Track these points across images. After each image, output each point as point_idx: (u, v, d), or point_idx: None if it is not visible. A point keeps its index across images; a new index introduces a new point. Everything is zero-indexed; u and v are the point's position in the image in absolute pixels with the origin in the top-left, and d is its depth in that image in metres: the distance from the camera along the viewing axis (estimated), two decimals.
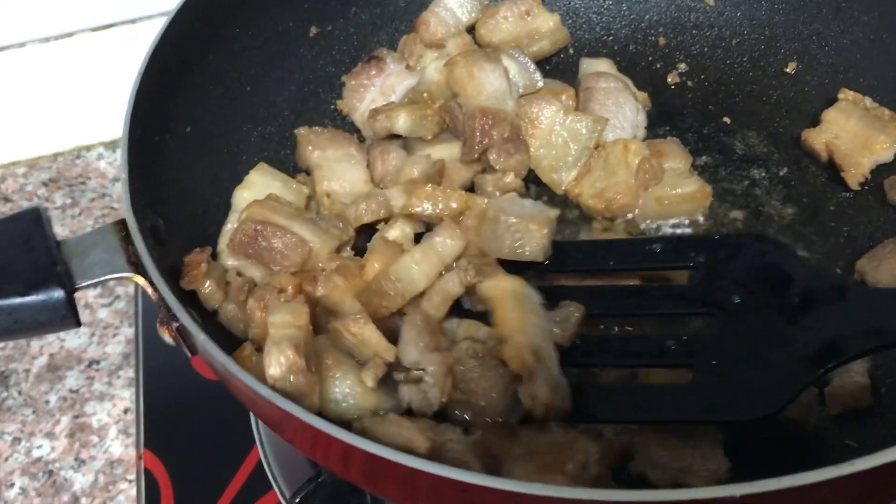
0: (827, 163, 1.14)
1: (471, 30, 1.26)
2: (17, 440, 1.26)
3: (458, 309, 0.96)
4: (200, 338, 0.80)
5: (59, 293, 0.84)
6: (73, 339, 1.36)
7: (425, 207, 1.00)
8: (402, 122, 1.11)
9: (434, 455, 0.79)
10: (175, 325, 0.86)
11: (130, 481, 1.20)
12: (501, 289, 0.92)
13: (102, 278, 0.87)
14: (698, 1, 1.30)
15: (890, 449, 0.63)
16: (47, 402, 1.30)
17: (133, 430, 1.24)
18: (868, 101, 1.15)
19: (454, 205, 1.00)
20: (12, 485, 1.21)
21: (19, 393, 1.31)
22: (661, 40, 1.31)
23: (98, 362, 1.33)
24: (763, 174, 1.15)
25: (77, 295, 0.86)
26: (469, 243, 0.97)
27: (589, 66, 1.23)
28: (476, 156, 1.09)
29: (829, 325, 0.83)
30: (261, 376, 0.79)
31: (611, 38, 1.32)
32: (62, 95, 1.57)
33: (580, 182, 1.12)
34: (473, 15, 1.26)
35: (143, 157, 0.96)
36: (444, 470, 0.66)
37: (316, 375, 0.85)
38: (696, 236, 1.08)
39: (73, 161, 1.61)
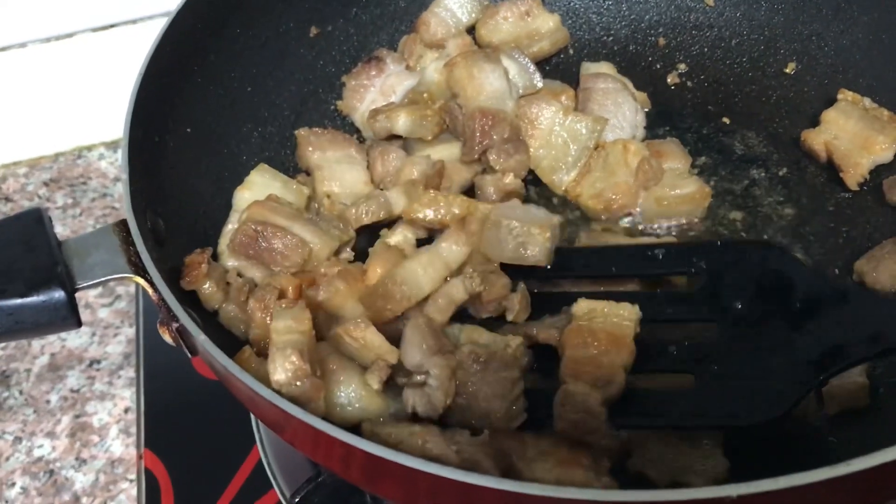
0: (826, 163, 1.14)
1: (471, 30, 1.26)
2: (18, 440, 1.26)
3: (460, 314, 0.97)
4: (201, 338, 0.80)
5: (59, 294, 0.84)
6: (73, 339, 1.36)
7: (427, 214, 1.01)
8: (401, 123, 1.11)
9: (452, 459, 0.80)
10: (175, 325, 0.86)
11: (131, 481, 1.20)
12: None
13: (103, 279, 0.87)
14: (698, 1, 1.31)
15: (887, 449, 0.63)
16: (48, 401, 1.30)
17: (134, 429, 1.24)
18: (867, 102, 1.15)
19: (456, 210, 1.00)
20: (13, 484, 1.22)
21: (20, 392, 1.31)
22: (661, 41, 1.31)
23: (99, 362, 1.33)
24: (762, 174, 1.15)
25: (77, 295, 0.86)
26: (472, 249, 0.98)
27: (588, 69, 1.23)
28: (476, 156, 1.09)
29: (832, 330, 0.83)
30: (261, 378, 0.79)
31: (611, 38, 1.32)
32: (63, 95, 1.57)
33: (580, 182, 1.12)
34: (473, 15, 1.26)
35: (144, 157, 0.96)
36: (444, 470, 0.67)
37: (321, 380, 0.85)
38: (698, 242, 1.08)
39: (74, 161, 1.62)
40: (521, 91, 1.14)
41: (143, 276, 0.86)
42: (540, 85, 1.15)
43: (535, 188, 1.15)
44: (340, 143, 1.14)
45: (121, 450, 1.24)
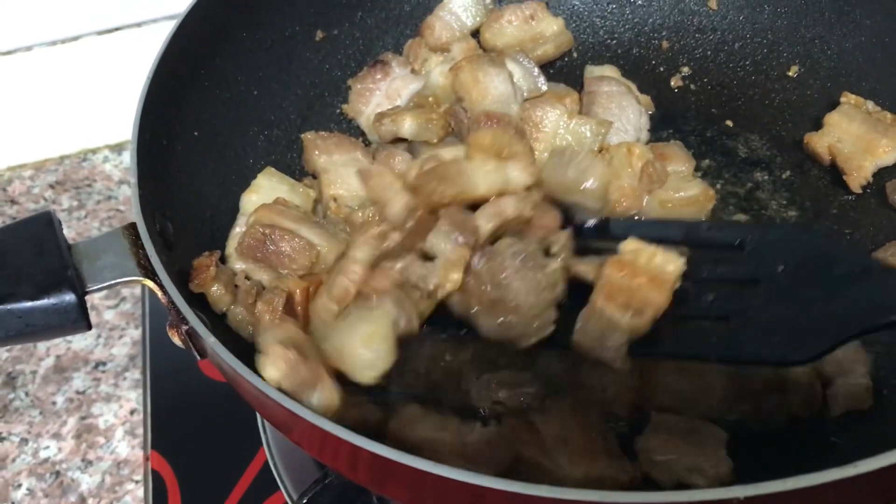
0: (829, 166, 1.15)
1: (475, 34, 1.27)
2: (24, 441, 1.27)
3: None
4: (210, 341, 0.81)
5: (70, 297, 0.84)
6: (79, 341, 1.37)
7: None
8: (407, 126, 1.12)
9: (454, 450, 0.81)
10: (185, 328, 0.86)
11: (137, 482, 1.20)
12: None
13: (113, 282, 0.87)
14: (701, 5, 1.31)
15: (893, 451, 0.64)
16: (54, 403, 1.30)
17: (140, 431, 1.25)
18: (870, 105, 1.15)
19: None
20: (20, 486, 1.22)
21: (26, 394, 1.32)
22: (665, 44, 1.31)
23: (105, 364, 1.34)
24: (766, 177, 1.16)
25: (87, 296, 0.87)
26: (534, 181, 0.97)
27: (592, 72, 1.24)
28: None
29: (871, 295, 0.83)
30: None
31: (614, 41, 1.33)
32: (68, 98, 1.58)
33: None
34: (478, 19, 1.27)
35: (152, 161, 0.97)
36: (452, 472, 0.67)
37: (319, 365, 0.83)
38: (744, 224, 1.09)
39: (79, 164, 1.62)
40: (525, 94, 1.15)
41: (152, 279, 0.87)
42: (544, 88, 1.16)
43: None
44: (346, 147, 1.15)
45: (127, 451, 1.24)
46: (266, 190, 1.07)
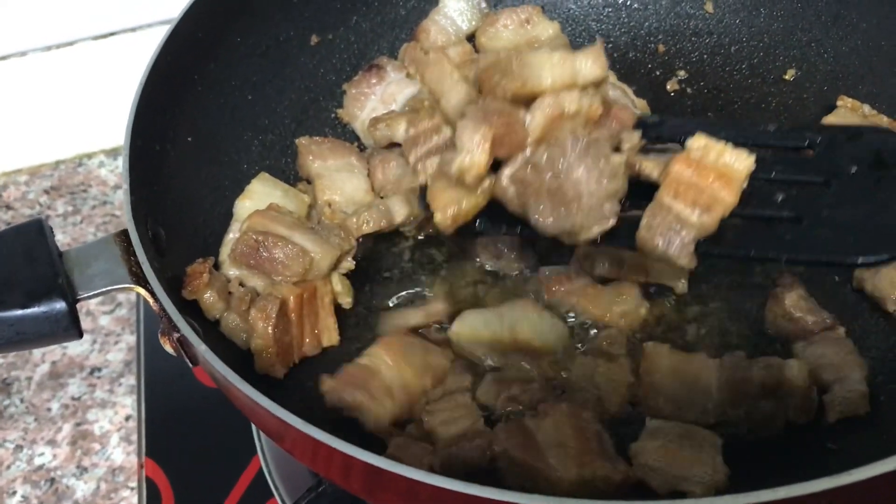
0: None
1: (471, 38, 1.26)
2: (19, 448, 1.26)
3: None
4: (201, 349, 0.81)
5: (60, 305, 0.84)
6: (74, 347, 1.36)
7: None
8: (402, 131, 1.11)
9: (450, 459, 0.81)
10: (176, 335, 0.86)
11: (132, 489, 1.20)
12: None
13: (104, 290, 0.87)
14: (697, 8, 1.31)
15: (888, 458, 0.63)
16: (49, 409, 1.30)
17: (134, 437, 1.24)
18: (867, 109, 1.15)
19: None
20: (14, 493, 1.22)
21: (21, 401, 1.31)
22: (661, 47, 1.31)
23: (100, 370, 1.34)
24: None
25: (79, 304, 0.87)
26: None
27: None
28: None
29: None
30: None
31: (610, 45, 1.32)
32: (63, 103, 1.57)
33: None
34: (474, 23, 1.26)
35: (145, 166, 0.96)
36: (445, 482, 0.67)
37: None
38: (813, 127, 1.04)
39: (74, 169, 1.62)
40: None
41: (144, 287, 0.86)
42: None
43: None
44: (341, 152, 1.14)
45: (122, 458, 1.24)
46: (260, 195, 1.07)
